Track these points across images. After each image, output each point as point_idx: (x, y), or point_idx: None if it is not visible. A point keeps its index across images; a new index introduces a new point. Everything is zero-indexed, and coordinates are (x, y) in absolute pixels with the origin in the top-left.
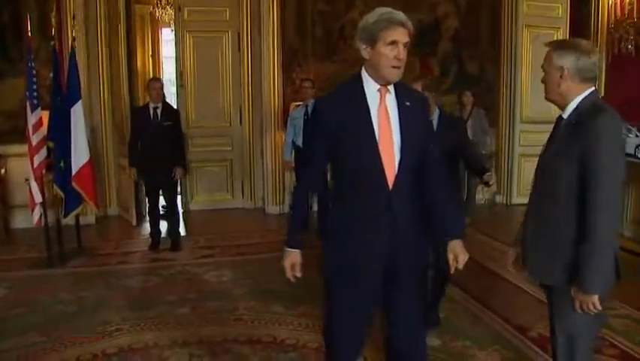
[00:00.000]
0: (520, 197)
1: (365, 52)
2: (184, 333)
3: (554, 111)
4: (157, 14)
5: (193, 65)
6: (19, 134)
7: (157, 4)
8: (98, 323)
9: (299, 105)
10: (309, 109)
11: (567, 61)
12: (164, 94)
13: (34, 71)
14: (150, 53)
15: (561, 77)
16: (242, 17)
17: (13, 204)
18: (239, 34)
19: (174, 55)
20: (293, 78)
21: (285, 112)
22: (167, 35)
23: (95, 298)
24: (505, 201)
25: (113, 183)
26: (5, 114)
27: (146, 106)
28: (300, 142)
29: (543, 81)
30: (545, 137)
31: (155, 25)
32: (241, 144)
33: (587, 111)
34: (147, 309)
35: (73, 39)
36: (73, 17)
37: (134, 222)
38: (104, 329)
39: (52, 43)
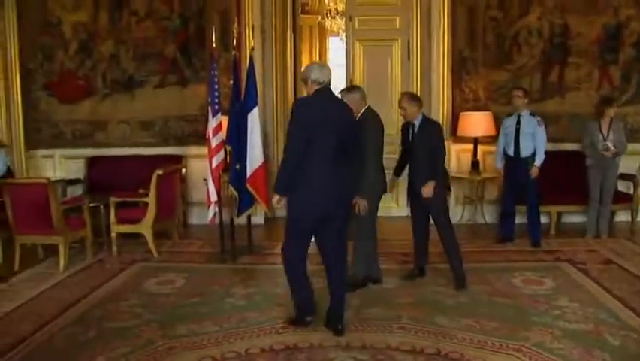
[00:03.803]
0: None
1: None
2: (347, 337)
3: None
4: (326, 24)
5: (362, 73)
6: (199, 137)
7: (326, 14)
8: (265, 319)
9: (511, 115)
10: (522, 118)
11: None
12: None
13: (216, 79)
14: None
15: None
16: (412, 25)
17: (191, 201)
18: (409, 42)
19: (343, 62)
20: (462, 87)
21: (455, 121)
22: (334, 44)
23: (263, 295)
24: None
25: None
26: (188, 118)
27: None
28: (511, 151)
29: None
30: None
31: (323, 35)
32: None
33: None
34: None
35: (252, 48)
36: (252, 28)
37: None
38: (272, 326)
39: (233, 53)
